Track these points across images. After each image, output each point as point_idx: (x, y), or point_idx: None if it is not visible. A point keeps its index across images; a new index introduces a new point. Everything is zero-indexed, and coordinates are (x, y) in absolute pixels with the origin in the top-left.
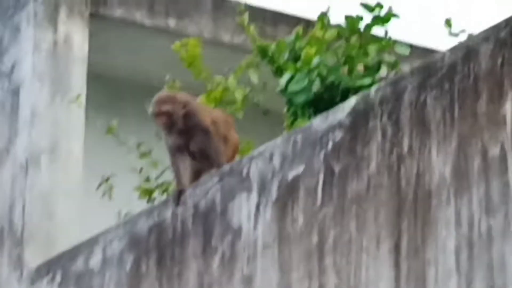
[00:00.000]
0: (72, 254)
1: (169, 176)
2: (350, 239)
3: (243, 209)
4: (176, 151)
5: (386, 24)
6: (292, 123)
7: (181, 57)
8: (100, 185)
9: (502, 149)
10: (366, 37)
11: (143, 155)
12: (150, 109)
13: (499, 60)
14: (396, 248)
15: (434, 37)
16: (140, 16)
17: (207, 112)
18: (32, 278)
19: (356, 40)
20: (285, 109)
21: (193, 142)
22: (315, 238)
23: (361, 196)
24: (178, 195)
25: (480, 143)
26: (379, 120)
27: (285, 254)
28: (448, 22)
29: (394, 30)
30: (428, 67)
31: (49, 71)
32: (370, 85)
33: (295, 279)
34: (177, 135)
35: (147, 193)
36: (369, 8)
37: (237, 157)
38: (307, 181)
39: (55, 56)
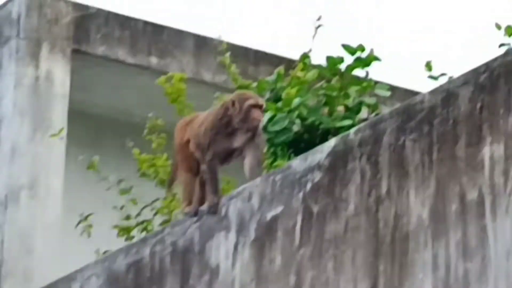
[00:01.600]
0: None
1: (148, 214)
2: (328, 280)
3: (221, 248)
4: (226, 156)
5: (367, 67)
6: (272, 163)
7: (166, 91)
8: (79, 223)
9: (480, 193)
10: (347, 78)
11: (123, 192)
12: (252, 101)
13: (478, 105)
14: None
15: (415, 79)
16: (122, 53)
17: None
18: None
19: (337, 81)
20: (265, 149)
21: (253, 145)
22: (292, 279)
23: (339, 237)
24: (217, 204)
25: (458, 187)
26: (358, 162)
27: None
28: (428, 65)
29: (375, 71)
30: (408, 109)
31: (30, 107)
32: (350, 127)
33: None
34: (241, 136)
35: (126, 231)
36: (351, 50)
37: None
38: (286, 221)
39: (36, 92)
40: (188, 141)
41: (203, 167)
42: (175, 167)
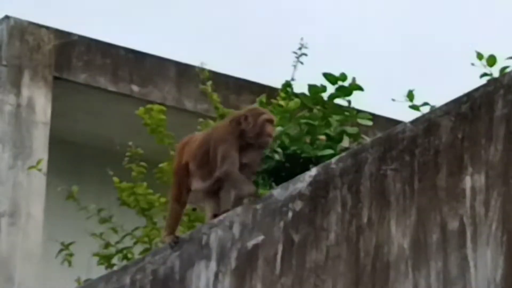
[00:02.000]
0: None
1: (128, 242)
2: None
3: (201, 277)
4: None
5: (349, 96)
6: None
7: (145, 122)
8: (60, 252)
9: (461, 222)
10: (329, 107)
11: (103, 220)
12: (266, 116)
13: (460, 134)
14: None
15: (397, 108)
16: (104, 81)
17: None
18: None
19: (319, 110)
20: None
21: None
22: None
23: (320, 267)
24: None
25: (439, 216)
26: (339, 191)
27: None
28: (409, 95)
29: (357, 99)
30: (389, 139)
31: (11, 134)
32: (331, 156)
33: None
34: (252, 152)
35: (107, 259)
36: (332, 79)
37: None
38: (267, 250)
39: (17, 119)
40: (186, 164)
41: (219, 173)
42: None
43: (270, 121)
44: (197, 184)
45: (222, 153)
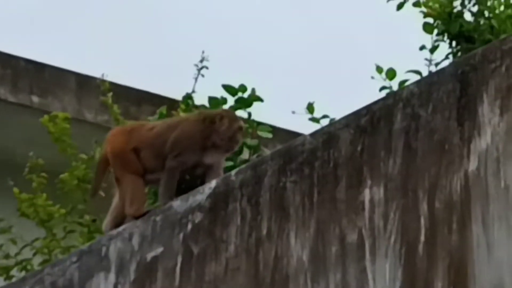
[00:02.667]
0: None
1: (28, 253)
2: None
3: None
4: (187, 169)
5: (249, 107)
6: (153, 203)
7: (49, 130)
8: None
9: (360, 235)
10: None
11: (2, 231)
12: (241, 124)
13: (359, 147)
14: None
15: (297, 121)
16: (3, 92)
17: None
18: None
19: None
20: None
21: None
22: None
23: (219, 279)
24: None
25: (338, 229)
26: (239, 203)
27: None
28: (309, 107)
29: (258, 111)
30: (289, 151)
31: None
32: (231, 168)
33: None
34: (216, 155)
35: (5, 271)
36: (232, 91)
37: None
38: (166, 262)
39: None
40: (134, 149)
41: (166, 165)
42: (98, 178)
43: (241, 129)
44: (150, 175)
45: (181, 149)
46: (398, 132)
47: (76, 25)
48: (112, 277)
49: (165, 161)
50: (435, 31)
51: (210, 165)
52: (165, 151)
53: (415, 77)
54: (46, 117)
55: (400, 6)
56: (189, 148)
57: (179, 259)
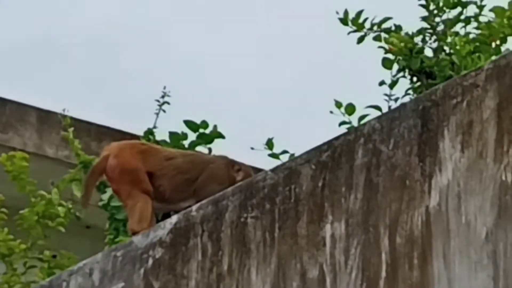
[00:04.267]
0: None
1: None
2: None
3: None
4: None
5: (210, 143)
6: (114, 238)
7: (7, 169)
8: None
9: (321, 270)
10: None
11: None
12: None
13: (320, 183)
14: None
15: (257, 157)
16: None
17: None
18: None
19: None
20: (107, 225)
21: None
22: None
23: None
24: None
25: (299, 264)
26: (199, 239)
27: None
28: (269, 143)
29: (219, 147)
30: (250, 187)
31: None
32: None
33: None
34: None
35: None
36: (193, 127)
37: None
38: None
39: None
40: (148, 173)
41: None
42: (89, 189)
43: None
44: (155, 204)
45: (212, 194)
46: (359, 167)
47: (36, 60)
48: None
49: (183, 199)
50: (396, 66)
51: None
52: (186, 189)
53: (375, 113)
54: (4, 155)
55: (360, 40)
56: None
57: None
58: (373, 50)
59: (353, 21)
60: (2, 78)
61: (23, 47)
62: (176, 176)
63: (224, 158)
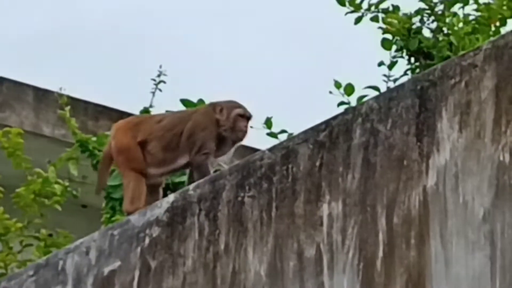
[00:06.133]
0: None
1: None
2: None
3: None
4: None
5: None
6: (110, 217)
7: (2, 146)
8: None
9: (318, 250)
10: None
11: None
12: (240, 111)
13: (318, 162)
14: None
15: (255, 135)
16: None
17: None
18: None
19: None
20: (103, 204)
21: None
22: None
23: None
24: None
25: (296, 244)
26: (196, 218)
27: None
28: (268, 122)
29: None
30: (247, 166)
31: None
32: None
33: None
34: (228, 147)
35: None
36: (190, 106)
37: None
38: (123, 276)
39: None
40: (141, 142)
41: (192, 161)
42: (103, 174)
43: (243, 116)
44: (154, 170)
45: (201, 141)
46: (357, 147)
47: (35, 38)
48: None
49: (177, 156)
50: (394, 47)
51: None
52: (177, 145)
53: (374, 93)
54: None
55: (358, 20)
56: (207, 138)
57: (137, 274)
58: (373, 31)
59: (350, 2)
60: (19, 67)
61: (36, 38)
62: (164, 135)
63: (210, 104)
